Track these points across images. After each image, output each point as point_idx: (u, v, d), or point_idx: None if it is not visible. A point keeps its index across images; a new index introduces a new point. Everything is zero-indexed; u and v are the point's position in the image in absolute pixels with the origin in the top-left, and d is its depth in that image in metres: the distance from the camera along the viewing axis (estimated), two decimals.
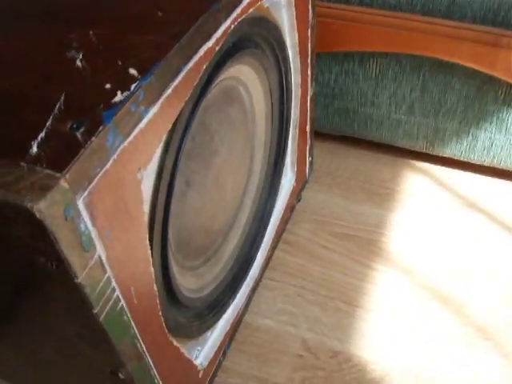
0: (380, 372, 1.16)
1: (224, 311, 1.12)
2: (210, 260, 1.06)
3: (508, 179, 1.51)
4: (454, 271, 1.31)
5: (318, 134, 1.54)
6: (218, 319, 1.10)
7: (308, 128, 1.32)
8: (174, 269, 0.87)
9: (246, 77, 0.99)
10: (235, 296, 1.15)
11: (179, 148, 0.75)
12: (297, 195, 1.39)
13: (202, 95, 0.78)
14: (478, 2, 1.20)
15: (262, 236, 1.23)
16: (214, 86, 0.84)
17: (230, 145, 1.00)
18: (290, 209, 1.36)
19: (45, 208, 0.50)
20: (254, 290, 1.22)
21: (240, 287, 1.17)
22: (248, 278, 1.19)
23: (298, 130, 1.25)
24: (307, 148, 1.36)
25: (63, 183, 0.52)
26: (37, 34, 0.74)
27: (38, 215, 0.50)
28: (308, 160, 1.40)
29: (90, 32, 0.72)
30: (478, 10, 1.20)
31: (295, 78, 1.16)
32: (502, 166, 1.46)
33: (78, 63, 0.66)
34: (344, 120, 1.52)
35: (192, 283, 0.98)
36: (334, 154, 1.60)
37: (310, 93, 1.25)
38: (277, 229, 1.28)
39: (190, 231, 0.95)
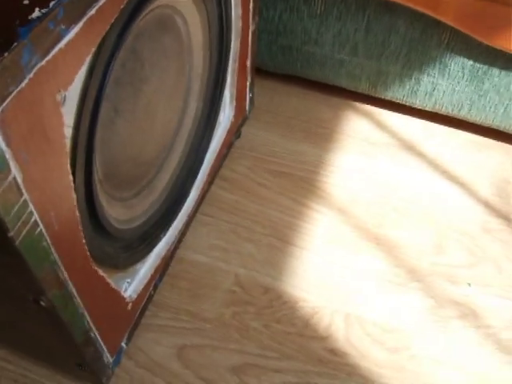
0: (310, 310, 1.16)
1: (155, 244, 1.11)
2: (141, 192, 1.04)
3: (449, 125, 1.52)
4: (388, 214, 1.32)
5: (260, 72, 1.53)
6: (149, 252, 1.09)
7: (248, 63, 1.30)
8: (102, 198, 0.86)
9: (183, 6, 0.97)
10: (167, 230, 1.14)
11: (105, 72, 0.73)
12: (235, 131, 1.38)
13: (131, 20, 0.76)
14: None
15: (198, 170, 1.22)
16: (146, 12, 0.82)
17: (162, 74, 0.97)
18: (228, 145, 1.35)
19: None
20: (187, 224, 1.21)
21: (173, 221, 1.16)
22: (182, 213, 1.19)
23: (237, 64, 1.23)
24: (247, 84, 1.34)
25: None
26: None
27: None
28: (248, 96, 1.38)
29: None
30: None
31: (236, 10, 1.14)
32: (443, 111, 1.47)
33: None
34: (287, 58, 1.50)
35: (121, 214, 0.97)
36: (276, 92, 1.59)
37: (251, 27, 1.23)
38: (213, 164, 1.27)
39: (119, 160, 0.93)
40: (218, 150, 1.28)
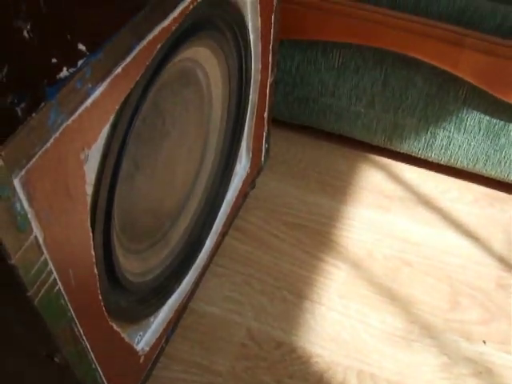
0: (323, 365, 1.15)
1: (169, 296, 1.10)
2: (157, 244, 1.03)
3: (464, 179, 1.51)
4: (402, 269, 1.31)
5: (276, 122, 1.53)
6: (163, 304, 1.08)
7: (266, 114, 1.30)
8: (118, 251, 0.85)
9: (205, 59, 0.97)
10: (181, 281, 1.13)
11: (128, 129, 0.72)
12: (251, 182, 1.37)
13: (155, 76, 0.76)
14: (444, 0, 1.19)
15: (213, 221, 1.21)
16: (169, 66, 0.82)
17: (182, 128, 0.97)
18: (243, 195, 1.35)
19: None
20: (201, 276, 1.20)
21: (187, 273, 1.15)
22: (196, 264, 1.17)
23: (255, 116, 1.23)
24: (264, 135, 1.34)
25: None
26: None
27: None
28: (264, 147, 1.38)
29: (41, 1, 0.69)
30: (444, 8, 1.19)
31: (255, 64, 1.14)
32: (459, 165, 1.46)
33: (25, 34, 0.63)
34: (303, 109, 1.51)
35: (136, 267, 0.96)
36: (292, 142, 1.59)
37: (270, 79, 1.23)
38: (228, 215, 1.26)
39: (137, 214, 0.92)
40: (233, 200, 1.27)
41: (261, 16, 1.06)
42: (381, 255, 1.33)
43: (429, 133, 1.42)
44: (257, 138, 1.30)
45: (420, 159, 1.52)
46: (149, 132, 0.86)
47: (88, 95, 0.60)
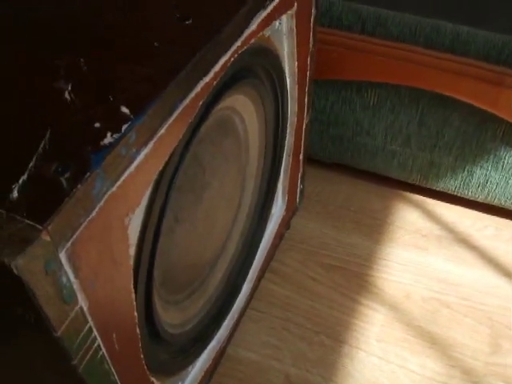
0: None
1: (207, 344, 1.08)
2: (195, 292, 1.02)
3: (501, 216, 1.48)
4: (441, 311, 1.28)
5: (310, 161, 1.51)
6: (201, 353, 1.06)
7: (301, 156, 1.28)
8: (158, 306, 0.84)
9: (242, 106, 0.96)
10: (219, 328, 1.11)
11: (170, 186, 0.71)
12: (286, 224, 1.36)
13: (196, 131, 0.74)
14: (481, 39, 1.17)
15: (249, 266, 1.20)
16: (209, 118, 0.81)
17: (221, 177, 0.96)
18: (279, 237, 1.33)
19: (23, 263, 0.46)
20: (238, 321, 1.19)
21: (224, 319, 1.13)
22: (233, 309, 1.16)
23: (291, 158, 1.22)
24: (299, 176, 1.33)
25: (45, 236, 0.48)
26: (22, 58, 0.70)
27: (15, 271, 0.46)
28: (299, 188, 1.36)
29: (81, 60, 0.68)
30: (481, 47, 1.17)
31: (292, 107, 1.13)
32: (496, 202, 1.44)
33: (67, 95, 0.62)
34: (338, 148, 1.49)
35: (176, 318, 0.95)
36: (326, 181, 1.57)
37: (305, 121, 1.22)
38: (265, 258, 1.24)
39: (177, 267, 0.91)
40: (270, 242, 1.25)
41: (297, 60, 1.05)
42: (419, 297, 1.31)
43: (465, 171, 1.39)
44: (292, 180, 1.28)
45: (456, 197, 1.49)
46: (189, 184, 0.84)
47: (132, 160, 0.58)
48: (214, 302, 1.09)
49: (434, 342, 1.22)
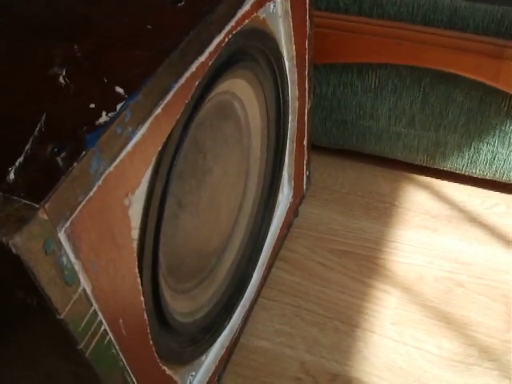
0: None
1: (219, 334, 1.07)
2: (203, 281, 1.01)
3: (510, 193, 1.47)
4: (455, 290, 1.27)
5: (315, 147, 1.51)
6: (213, 342, 1.06)
7: (305, 141, 1.27)
8: (166, 293, 0.83)
9: (241, 91, 0.95)
10: (231, 318, 1.11)
11: (170, 169, 0.71)
12: (294, 211, 1.35)
13: (194, 112, 0.74)
14: (480, 12, 1.16)
15: (258, 254, 1.19)
16: (207, 101, 0.80)
17: (224, 162, 0.95)
18: (287, 225, 1.32)
19: (21, 242, 0.46)
20: (249, 310, 1.18)
21: (236, 308, 1.13)
22: (244, 299, 1.15)
23: (294, 144, 1.21)
24: (304, 162, 1.32)
25: (42, 215, 0.47)
26: (18, 49, 0.70)
27: (13, 250, 0.46)
28: (305, 174, 1.36)
29: (75, 47, 0.68)
30: (480, 21, 1.16)
31: (292, 91, 1.12)
32: (505, 179, 1.43)
33: (61, 80, 0.62)
34: (342, 133, 1.48)
35: (185, 307, 0.94)
36: (332, 167, 1.56)
37: (307, 106, 1.21)
38: (273, 246, 1.24)
39: (183, 254, 0.90)
40: (278, 231, 1.25)
41: (295, 43, 1.05)
42: (431, 277, 1.30)
43: (472, 148, 1.38)
44: (298, 166, 1.28)
45: (464, 176, 1.48)
46: (191, 169, 0.84)
47: (129, 139, 0.58)
48: (225, 291, 1.08)
49: (450, 322, 1.21)
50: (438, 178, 1.52)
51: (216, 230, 1.02)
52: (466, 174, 1.46)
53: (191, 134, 0.78)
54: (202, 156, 0.87)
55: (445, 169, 1.48)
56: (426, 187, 1.50)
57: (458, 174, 1.48)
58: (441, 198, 1.47)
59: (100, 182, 0.55)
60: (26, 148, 0.53)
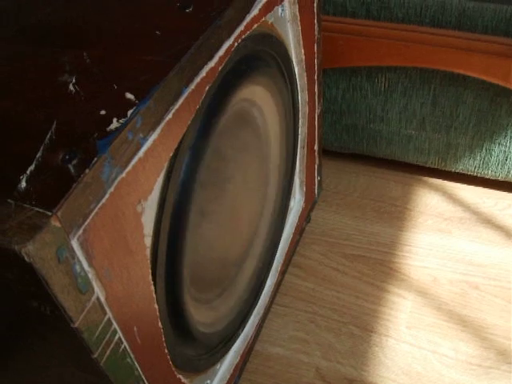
0: None
1: (234, 342, 1.07)
2: (225, 291, 1.00)
3: None
4: (470, 293, 1.26)
5: (325, 152, 1.50)
6: (228, 351, 1.05)
7: (316, 146, 1.27)
8: (189, 303, 0.82)
9: (261, 99, 0.94)
10: (245, 325, 1.10)
11: (187, 176, 0.70)
12: (306, 217, 1.34)
13: (207, 118, 0.73)
14: (489, 12, 1.15)
15: (272, 260, 1.18)
16: (225, 110, 0.79)
17: (244, 170, 0.95)
18: (300, 231, 1.32)
19: (34, 250, 0.45)
20: (264, 317, 1.17)
21: (250, 316, 1.12)
22: (258, 306, 1.14)
23: (305, 150, 1.21)
24: (315, 167, 1.31)
25: (55, 222, 0.47)
26: (28, 57, 0.70)
27: (26, 258, 0.45)
28: (317, 179, 1.35)
29: (84, 54, 0.67)
30: (489, 21, 1.16)
31: (302, 96, 1.12)
32: None
33: (71, 88, 0.61)
34: (352, 137, 1.48)
35: (207, 317, 0.93)
36: (343, 172, 1.56)
37: (317, 110, 1.21)
38: (286, 252, 1.23)
39: (205, 263, 0.90)
40: (290, 237, 1.24)
41: (304, 47, 1.04)
42: (446, 280, 1.29)
43: (484, 149, 1.37)
44: (309, 172, 1.27)
45: (476, 177, 1.48)
46: (212, 178, 0.83)
47: (140, 145, 0.58)
48: (244, 299, 1.08)
49: (466, 325, 1.20)
50: (449, 180, 1.51)
51: (238, 238, 1.01)
52: (478, 175, 1.45)
53: (212, 142, 0.77)
54: (224, 165, 0.86)
55: (456, 171, 1.47)
56: (438, 190, 1.49)
57: (470, 175, 1.47)
58: (453, 200, 1.46)
59: (112, 189, 0.54)
60: (37, 156, 0.53)
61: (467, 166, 1.43)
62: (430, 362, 1.15)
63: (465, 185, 1.50)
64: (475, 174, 1.45)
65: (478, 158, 1.40)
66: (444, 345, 1.18)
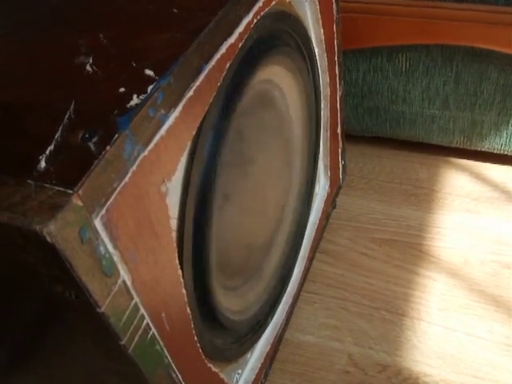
0: None
1: (263, 330, 1.05)
2: (252, 278, 0.98)
3: None
4: (503, 272, 1.23)
5: (348, 137, 1.48)
6: (258, 339, 1.03)
7: (339, 130, 1.25)
8: (217, 289, 0.80)
9: (281, 79, 0.92)
10: (274, 313, 1.08)
11: (211, 157, 0.68)
12: (331, 202, 1.32)
13: (229, 97, 0.71)
14: None
15: (299, 247, 1.16)
16: (246, 90, 0.77)
17: (267, 153, 0.93)
18: (326, 216, 1.29)
19: (56, 230, 0.44)
20: (293, 305, 1.15)
21: (279, 304, 1.10)
22: (286, 294, 1.12)
23: (329, 133, 1.18)
24: (339, 151, 1.29)
25: (76, 201, 0.45)
26: (45, 40, 0.68)
27: (48, 239, 0.43)
28: (341, 164, 1.33)
29: (100, 35, 0.66)
30: None
31: (323, 77, 1.09)
32: None
33: (88, 68, 0.60)
34: (375, 120, 1.45)
35: (236, 304, 0.92)
36: (367, 156, 1.53)
37: (339, 92, 1.18)
38: (313, 239, 1.21)
39: (232, 249, 0.88)
40: (317, 223, 1.22)
41: (323, 27, 1.02)
42: (477, 261, 1.26)
43: (510, 126, 1.34)
44: (333, 156, 1.25)
45: (503, 155, 1.44)
46: (236, 160, 0.81)
47: (162, 123, 0.56)
48: (271, 287, 1.06)
49: (499, 305, 1.18)
50: (476, 159, 1.48)
51: (263, 223, 0.99)
52: (505, 153, 1.42)
53: (233, 123, 0.75)
54: (246, 147, 0.85)
55: (482, 149, 1.44)
56: (465, 170, 1.46)
57: (497, 153, 1.44)
58: (480, 179, 1.43)
59: (135, 167, 0.52)
60: (56, 136, 0.51)
61: (493, 143, 1.40)
62: (465, 345, 1.13)
63: (491, 164, 1.47)
64: (502, 151, 1.42)
65: (504, 135, 1.37)
66: (478, 326, 1.15)
